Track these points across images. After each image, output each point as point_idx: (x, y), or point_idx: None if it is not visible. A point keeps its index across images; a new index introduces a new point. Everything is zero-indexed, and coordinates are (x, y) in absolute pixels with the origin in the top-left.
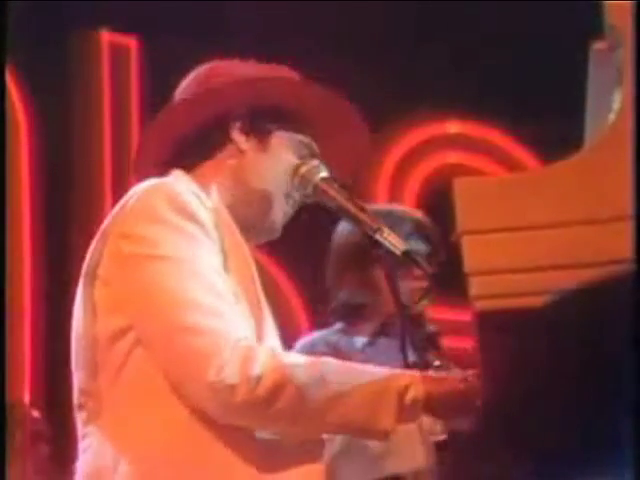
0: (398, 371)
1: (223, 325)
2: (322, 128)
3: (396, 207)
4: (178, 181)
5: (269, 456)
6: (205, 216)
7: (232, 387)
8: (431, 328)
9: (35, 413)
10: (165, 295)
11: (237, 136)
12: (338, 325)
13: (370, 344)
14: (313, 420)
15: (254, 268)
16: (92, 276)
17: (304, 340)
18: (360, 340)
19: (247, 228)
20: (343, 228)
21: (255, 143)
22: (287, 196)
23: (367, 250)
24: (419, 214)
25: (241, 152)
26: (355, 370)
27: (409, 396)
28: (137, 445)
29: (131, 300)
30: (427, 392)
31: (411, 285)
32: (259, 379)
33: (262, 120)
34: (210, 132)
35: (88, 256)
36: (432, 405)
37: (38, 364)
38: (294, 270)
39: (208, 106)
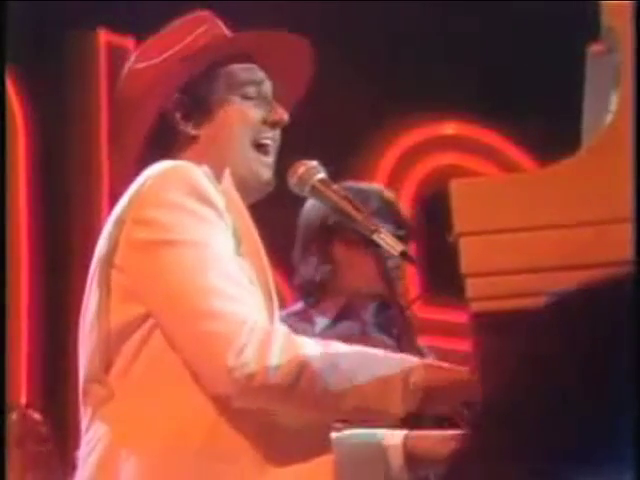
0: (403, 356)
1: (241, 309)
2: (261, 59)
3: (361, 184)
4: (190, 163)
5: (278, 446)
6: (218, 199)
7: (250, 371)
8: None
9: (36, 415)
10: (183, 280)
11: (183, 126)
12: (298, 305)
13: (330, 327)
14: (329, 405)
15: (264, 253)
16: (108, 264)
17: None
18: (320, 323)
19: (241, 189)
20: (307, 204)
21: (202, 119)
22: (257, 145)
23: (327, 225)
24: (385, 191)
25: (195, 137)
26: (365, 354)
27: (411, 380)
28: (148, 434)
29: (149, 287)
30: (428, 378)
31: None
32: (278, 364)
33: (197, 93)
34: (162, 131)
35: (101, 243)
36: (432, 391)
37: (36, 365)
38: (284, 259)
39: (145, 113)
